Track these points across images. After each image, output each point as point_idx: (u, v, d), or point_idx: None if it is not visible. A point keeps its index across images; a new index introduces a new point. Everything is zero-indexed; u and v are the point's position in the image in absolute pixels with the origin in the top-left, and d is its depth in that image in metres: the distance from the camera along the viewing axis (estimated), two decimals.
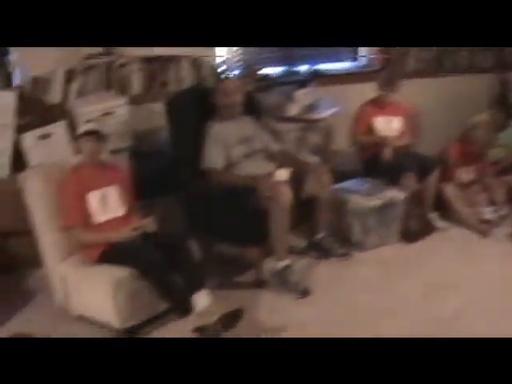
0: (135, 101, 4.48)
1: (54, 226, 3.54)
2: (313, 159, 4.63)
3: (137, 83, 4.65)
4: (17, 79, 4.27)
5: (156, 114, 4.46)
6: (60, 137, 4.01)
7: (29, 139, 3.95)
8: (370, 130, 4.97)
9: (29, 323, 3.56)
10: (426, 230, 4.83)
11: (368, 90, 5.03)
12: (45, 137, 3.97)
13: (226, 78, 4.87)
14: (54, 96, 4.34)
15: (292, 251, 4.17)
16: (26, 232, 3.76)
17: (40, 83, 4.35)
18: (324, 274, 4.21)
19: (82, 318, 3.58)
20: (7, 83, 4.19)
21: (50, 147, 3.96)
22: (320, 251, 4.39)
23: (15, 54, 4.08)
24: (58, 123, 4.05)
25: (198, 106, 4.19)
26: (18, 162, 3.93)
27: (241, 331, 3.38)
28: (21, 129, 3.98)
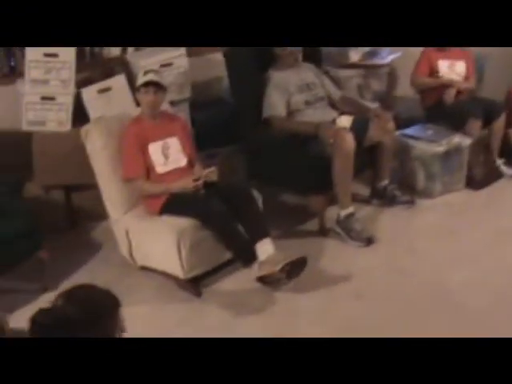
0: (193, 51, 4.43)
1: (116, 178, 3.56)
2: (375, 106, 4.53)
3: None
4: None
5: (215, 63, 4.42)
6: (120, 90, 4.00)
7: (89, 93, 3.96)
8: (432, 73, 4.81)
9: (94, 275, 3.60)
10: (492, 176, 4.69)
11: None
12: (105, 90, 3.98)
13: None
14: (113, 50, 4.34)
15: (355, 199, 4.11)
16: (88, 185, 3.81)
17: None
18: (388, 221, 4.14)
19: (146, 269, 3.62)
20: None
21: (110, 100, 3.96)
22: (384, 199, 4.30)
23: None
24: (117, 76, 4.05)
25: (257, 55, 4.12)
26: (79, 116, 3.95)
27: (304, 280, 3.36)
28: (81, 83, 4.00)
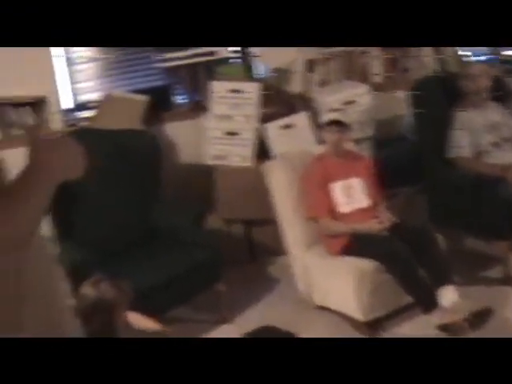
0: (377, 89, 4.38)
1: (297, 215, 3.57)
2: None
3: (378, 71, 4.56)
4: (259, 71, 4.38)
5: (398, 101, 4.35)
6: (303, 126, 4.02)
7: (272, 129, 4.01)
8: None
9: (270, 310, 3.62)
10: None
11: None
12: (288, 126, 4.01)
13: (472, 62, 4.62)
14: (296, 86, 4.39)
15: None
16: (268, 220, 3.84)
17: (281, 74, 4.42)
18: None
19: (323, 309, 3.57)
20: (249, 75, 4.32)
21: (293, 137, 3.99)
22: None
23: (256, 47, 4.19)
24: (300, 113, 4.08)
25: (443, 93, 4.00)
26: (262, 151, 4.01)
27: (487, 331, 3.16)
28: (264, 119, 4.06)
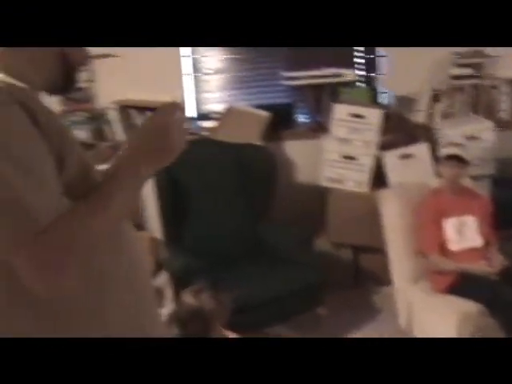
0: (502, 126, 4.24)
1: (407, 247, 3.52)
2: None
3: (505, 107, 4.41)
4: (383, 98, 4.36)
5: None
6: (422, 158, 3.95)
7: (390, 157, 3.97)
8: None
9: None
10: None
11: None
12: (406, 156, 3.96)
13: None
14: (419, 116, 4.33)
15: None
16: (377, 249, 3.80)
17: (406, 102, 4.38)
18: None
19: None
20: (373, 100, 4.30)
21: (411, 167, 3.92)
22: None
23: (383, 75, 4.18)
24: (420, 144, 4.01)
25: None
26: (378, 178, 3.98)
27: None
28: (383, 146, 4.03)
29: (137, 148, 1.34)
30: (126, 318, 1.37)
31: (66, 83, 1.45)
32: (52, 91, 1.49)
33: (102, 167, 1.64)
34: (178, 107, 1.39)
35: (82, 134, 4.44)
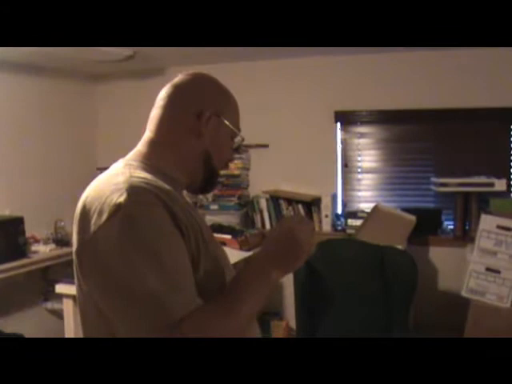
0: None
1: None
2: None
3: None
4: None
5: None
6: None
7: None
8: None
9: None
10: None
11: None
12: None
13: None
14: None
15: None
16: None
17: None
18: None
19: None
20: None
21: None
22: None
23: None
24: None
25: None
26: None
27: None
28: None
29: (269, 254, 1.40)
30: None
31: (207, 185, 1.58)
32: (193, 192, 1.63)
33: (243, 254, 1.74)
34: (305, 219, 1.47)
35: (231, 218, 4.67)
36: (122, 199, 1.28)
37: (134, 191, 1.31)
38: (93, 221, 1.30)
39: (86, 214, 1.34)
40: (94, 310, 1.36)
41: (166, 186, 1.39)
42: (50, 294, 4.52)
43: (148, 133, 1.53)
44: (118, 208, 1.27)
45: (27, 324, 4.47)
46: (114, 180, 1.36)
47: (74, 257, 1.39)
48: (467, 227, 4.28)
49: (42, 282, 4.63)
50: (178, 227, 1.32)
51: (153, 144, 1.50)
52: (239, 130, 1.58)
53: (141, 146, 1.52)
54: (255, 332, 1.56)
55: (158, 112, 1.52)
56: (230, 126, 1.53)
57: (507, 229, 3.87)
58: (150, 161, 1.47)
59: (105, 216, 1.28)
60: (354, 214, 4.51)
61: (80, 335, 1.46)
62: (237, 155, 4.70)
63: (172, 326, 1.22)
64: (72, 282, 1.45)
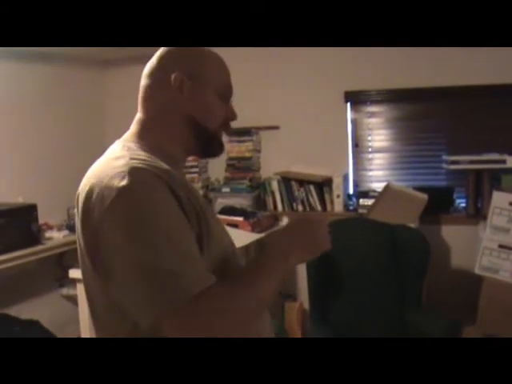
0: None
1: None
2: None
3: None
4: None
5: None
6: None
7: None
8: None
9: None
10: None
11: None
12: None
13: None
14: None
15: None
16: None
17: None
18: None
19: None
20: None
21: None
22: None
23: None
24: None
25: None
26: None
27: None
28: None
29: (288, 240, 1.45)
30: None
31: (206, 148, 1.57)
32: (200, 157, 1.68)
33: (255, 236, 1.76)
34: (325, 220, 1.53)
35: (243, 201, 4.67)
36: (123, 183, 1.28)
37: (135, 174, 1.31)
38: (96, 207, 1.30)
39: (87, 200, 1.34)
40: (104, 297, 1.37)
41: (165, 166, 1.40)
42: (64, 280, 4.55)
43: (138, 113, 1.55)
44: (120, 192, 1.28)
45: (43, 310, 4.51)
46: (113, 164, 1.37)
47: (79, 247, 1.41)
48: (479, 205, 4.26)
49: (57, 269, 4.66)
50: (181, 207, 1.33)
51: (143, 122, 1.53)
52: (229, 86, 1.58)
53: (133, 127, 1.54)
54: (266, 320, 1.59)
55: (141, 90, 1.54)
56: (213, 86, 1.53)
57: None
58: (144, 140, 1.49)
59: (108, 201, 1.28)
60: (365, 194, 4.50)
61: None
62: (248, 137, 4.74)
63: (189, 300, 1.23)
64: None
